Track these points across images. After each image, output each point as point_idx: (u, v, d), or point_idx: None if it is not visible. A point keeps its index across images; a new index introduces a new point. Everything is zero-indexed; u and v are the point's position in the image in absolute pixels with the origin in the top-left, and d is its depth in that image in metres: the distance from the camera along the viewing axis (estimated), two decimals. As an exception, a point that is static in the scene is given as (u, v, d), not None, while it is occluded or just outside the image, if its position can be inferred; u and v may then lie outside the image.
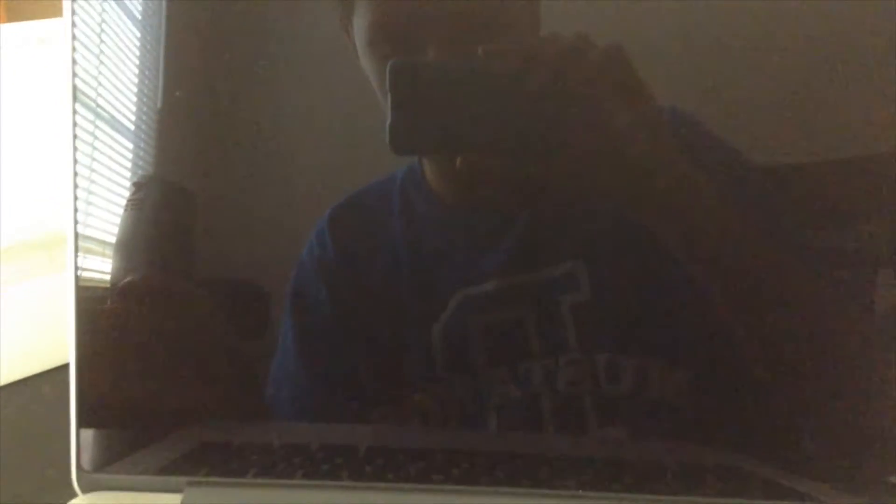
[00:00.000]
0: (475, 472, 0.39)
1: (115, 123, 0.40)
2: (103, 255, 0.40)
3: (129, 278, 0.40)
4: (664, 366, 0.39)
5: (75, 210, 0.39)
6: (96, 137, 0.40)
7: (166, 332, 0.40)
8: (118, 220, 0.40)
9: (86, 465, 0.40)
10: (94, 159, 0.40)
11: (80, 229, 0.39)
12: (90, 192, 0.40)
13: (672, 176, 0.38)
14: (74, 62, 0.39)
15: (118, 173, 0.40)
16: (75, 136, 0.39)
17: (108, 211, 0.40)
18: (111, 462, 0.40)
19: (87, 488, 0.40)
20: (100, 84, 0.40)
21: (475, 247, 0.40)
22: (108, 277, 0.40)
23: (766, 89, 0.38)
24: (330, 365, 0.41)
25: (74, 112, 0.39)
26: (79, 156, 0.39)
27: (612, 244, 0.40)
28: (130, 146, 0.41)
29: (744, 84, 0.38)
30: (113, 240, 0.40)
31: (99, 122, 0.40)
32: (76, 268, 0.39)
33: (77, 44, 0.39)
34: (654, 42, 0.37)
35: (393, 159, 0.38)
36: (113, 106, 0.40)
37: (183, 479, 0.39)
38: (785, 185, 0.38)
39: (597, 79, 0.36)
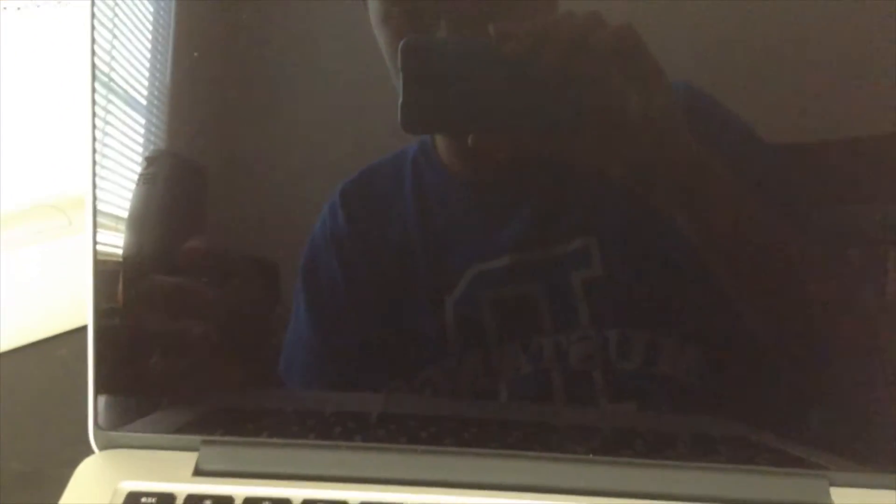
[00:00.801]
0: (486, 436, 0.39)
1: (128, 98, 0.40)
2: (117, 227, 0.40)
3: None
4: (675, 341, 0.39)
5: (94, 174, 0.39)
6: (109, 112, 0.40)
7: (183, 301, 0.40)
8: (131, 194, 0.40)
9: (102, 423, 0.40)
10: (106, 133, 0.40)
11: (98, 199, 0.39)
12: (103, 167, 0.40)
13: (684, 153, 0.38)
14: (94, 41, 0.39)
15: (131, 148, 0.40)
16: (94, 114, 0.39)
17: (121, 185, 0.40)
18: (127, 421, 0.41)
19: (104, 446, 0.41)
20: (113, 59, 0.40)
21: (487, 222, 0.40)
22: (123, 249, 0.40)
23: (780, 65, 0.38)
24: (342, 338, 0.41)
25: (94, 85, 0.39)
26: (93, 130, 0.39)
27: (624, 221, 0.40)
28: (143, 121, 0.41)
29: (758, 60, 0.38)
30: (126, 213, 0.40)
31: (112, 97, 0.40)
32: (94, 233, 0.39)
33: (95, 21, 0.39)
34: (665, 19, 0.37)
35: (405, 135, 0.38)
36: (126, 81, 0.40)
37: (198, 438, 0.40)
38: (797, 163, 0.38)
39: (609, 58, 0.36)
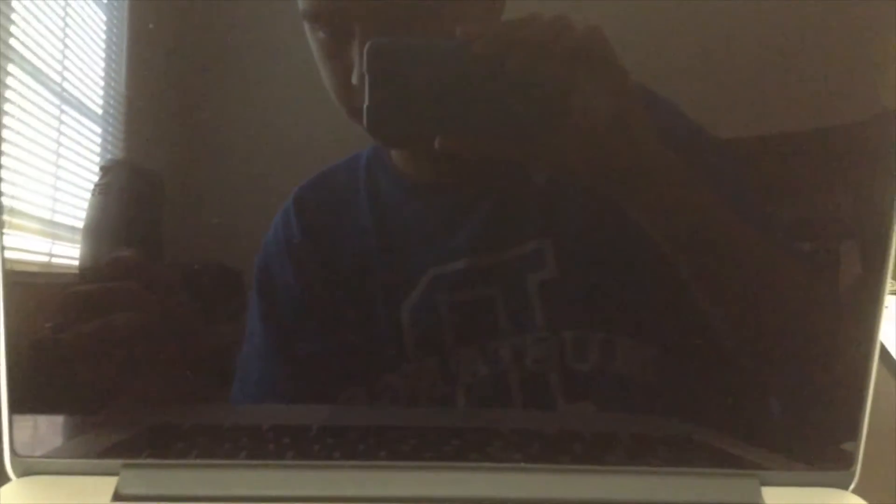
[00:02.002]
0: (423, 447, 0.39)
1: (80, 107, 0.40)
2: (55, 236, 0.40)
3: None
4: (630, 341, 0.39)
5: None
6: (62, 122, 0.40)
7: (105, 315, 0.39)
8: (84, 205, 0.40)
9: (19, 449, 0.39)
10: (59, 144, 0.40)
11: (16, 207, 0.38)
12: (57, 178, 0.39)
13: (646, 154, 0.38)
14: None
15: (85, 157, 0.40)
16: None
17: (74, 195, 0.40)
18: (46, 447, 0.39)
19: (22, 473, 0.39)
20: (65, 68, 0.40)
21: (443, 226, 0.40)
22: (38, 258, 0.39)
23: (730, 63, 0.38)
24: (298, 347, 0.41)
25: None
26: (44, 140, 0.39)
27: (579, 222, 0.40)
28: (98, 130, 0.40)
29: (707, 57, 0.38)
30: (80, 224, 0.40)
31: (65, 107, 0.40)
32: (2, 248, 0.38)
33: (40, 26, 0.39)
34: (614, 21, 0.37)
35: (359, 138, 0.38)
36: (79, 90, 0.40)
37: (118, 462, 0.38)
38: (749, 157, 0.38)
39: (576, 60, 0.36)
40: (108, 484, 0.38)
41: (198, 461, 0.38)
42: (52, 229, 0.40)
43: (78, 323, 0.39)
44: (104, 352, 0.39)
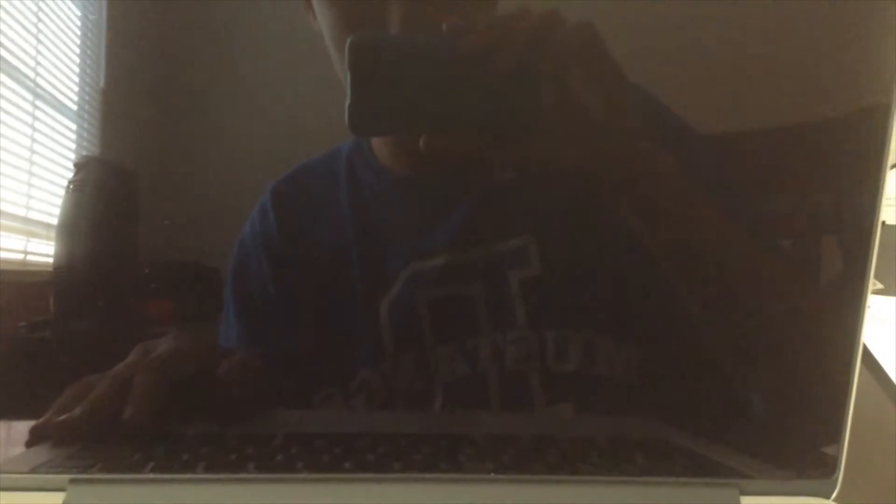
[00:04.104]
0: (391, 456, 0.37)
1: (55, 103, 0.40)
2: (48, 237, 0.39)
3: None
4: (612, 342, 0.39)
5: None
6: (36, 118, 0.39)
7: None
8: (59, 202, 0.39)
9: None
10: (34, 140, 0.39)
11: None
12: (31, 174, 0.39)
13: (634, 150, 0.37)
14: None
15: (59, 153, 0.39)
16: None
17: (48, 192, 0.39)
18: None
19: None
20: (38, 64, 0.39)
21: (424, 220, 0.40)
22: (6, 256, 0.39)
23: (715, 59, 0.38)
24: (273, 344, 0.40)
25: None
26: (18, 136, 0.39)
27: (564, 219, 0.39)
28: (73, 126, 0.40)
29: (692, 53, 0.38)
30: (54, 221, 0.39)
31: (38, 102, 0.39)
32: None
33: (13, 22, 0.38)
34: (605, 17, 0.37)
35: (338, 132, 0.37)
36: (53, 85, 0.39)
37: (66, 477, 0.37)
38: (731, 154, 0.38)
39: (566, 59, 0.36)
40: (54, 500, 0.36)
41: (151, 475, 0.36)
42: (26, 226, 0.39)
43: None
44: (63, 354, 0.38)
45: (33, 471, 0.37)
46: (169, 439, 0.38)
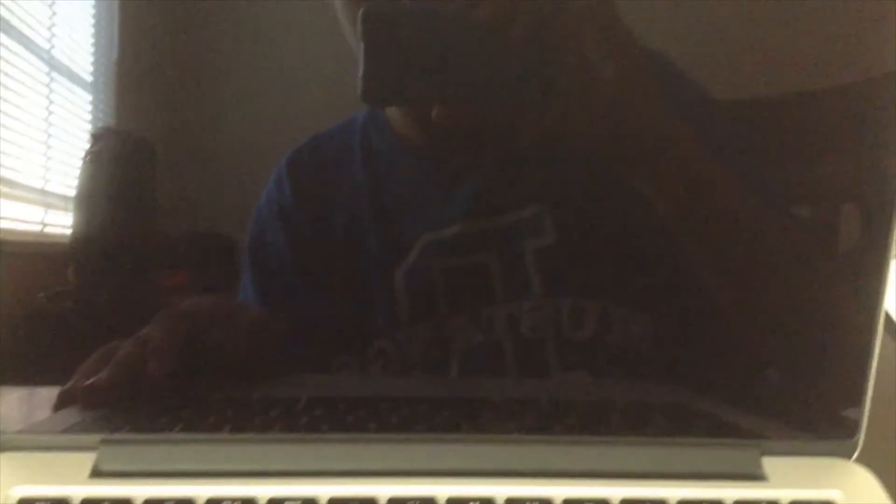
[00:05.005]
0: (414, 418, 0.38)
1: (70, 74, 0.40)
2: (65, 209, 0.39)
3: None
4: (627, 310, 0.39)
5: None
6: (52, 90, 0.40)
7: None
8: (76, 173, 0.39)
9: None
10: (49, 112, 0.39)
11: (6, 176, 0.38)
12: (48, 146, 0.39)
13: (650, 118, 0.37)
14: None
15: (75, 125, 0.39)
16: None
17: (65, 163, 0.39)
18: (21, 422, 0.38)
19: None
20: (53, 35, 0.39)
21: (439, 190, 0.39)
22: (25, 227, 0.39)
23: (732, 24, 0.37)
24: (290, 313, 0.40)
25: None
26: (34, 108, 0.39)
27: (578, 188, 0.39)
28: (88, 97, 0.40)
29: (709, 19, 0.37)
30: (71, 192, 0.39)
31: (54, 73, 0.39)
32: None
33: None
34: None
35: (354, 102, 0.36)
36: (68, 56, 0.39)
37: (97, 437, 0.37)
38: (748, 121, 0.37)
39: (582, 26, 0.35)
40: (87, 460, 0.37)
41: (180, 435, 0.37)
42: (44, 198, 0.39)
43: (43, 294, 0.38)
44: (83, 323, 0.39)
45: (65, 431, 0.37)
46: (195, 402, 0.39)
